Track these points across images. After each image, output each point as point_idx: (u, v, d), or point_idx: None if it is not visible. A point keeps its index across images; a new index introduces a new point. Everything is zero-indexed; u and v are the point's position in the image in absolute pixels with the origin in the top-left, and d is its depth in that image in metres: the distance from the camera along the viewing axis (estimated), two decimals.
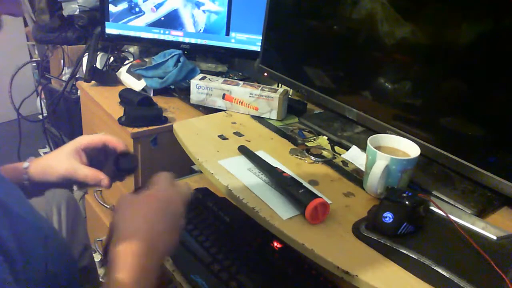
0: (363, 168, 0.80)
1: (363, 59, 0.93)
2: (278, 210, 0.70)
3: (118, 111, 1.23)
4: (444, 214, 0.68)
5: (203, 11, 1.40)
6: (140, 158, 1.21)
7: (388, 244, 0.63)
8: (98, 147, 0.73)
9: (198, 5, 1.40)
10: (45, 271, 0.54)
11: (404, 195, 0.65)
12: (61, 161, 0.70)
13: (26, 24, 2.52)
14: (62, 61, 1.69)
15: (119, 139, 0.73)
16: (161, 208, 0.56)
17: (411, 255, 0.61)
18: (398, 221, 0.63)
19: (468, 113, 0.76)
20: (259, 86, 1.07)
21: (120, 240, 0.52)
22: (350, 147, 0.91)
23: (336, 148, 0.94)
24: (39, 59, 2.00)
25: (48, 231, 0.58)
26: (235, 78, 1.38)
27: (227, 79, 1.14)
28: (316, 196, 0.68)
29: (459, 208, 0.73)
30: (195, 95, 1.10)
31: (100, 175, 0.69)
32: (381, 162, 0.71)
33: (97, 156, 0.74)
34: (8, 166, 0.70)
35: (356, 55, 0.94)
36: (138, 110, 1.20)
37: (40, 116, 1.87)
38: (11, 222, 0.48)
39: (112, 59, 1.53)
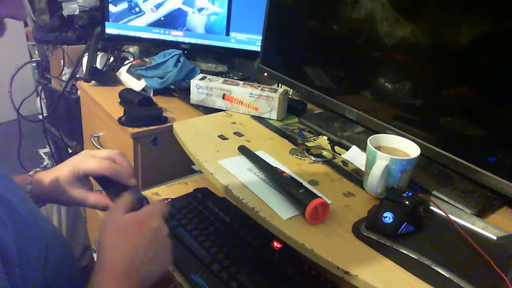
0: (363, 168, 0.80)
1: (363, 59, 0.93)
2: (278, 210, 0.70)
3: (118, 111, 1.23)
4: (444, 214, 0.68)
5: (203, 11, 1.40)
6: (140, 158, 1.21)
7: (388, 244, 0.63)
8: (97, 176, 0.70)
9: (198, 5, 1.40)
10: (45, 271, 0.54)
11: (404, 195, 0.65)
12: (64, 190, 0.69)
13: (26, 24, 2.53)
14: (62, 61, 1.69)
15: (120, 168, 0.69)
16: (149, 238, 0.57)
17: (411, 255, 0.61)
18: (398, 221, 0.63)
19: (468, 113, 0.76)
20: (259, 86, 1.07)
21: (104, 264, 0.54)
22: (350, 147, 0.91)
23: (336, 148, 0.94)
24: (39, 59, 2.00)
25: (48, 231, 0.58)
26: (235, 78, 1.38)
27: (227, 79, 1.14)
28: (316, 196, 0.68)
29: (459, 208, 0.73)
30: (195, 95, 1.11)
31: (109, 204, 0.69)
32: (381, 162, 0.71)
33: (100, 178, 0.71)
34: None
35: (356, 55, 0.94)
36: (138, 110, 1.20)
37: (40, 116, 1.87)
38: (12, 219, 0.47)
39: (112, 59, 1.53)
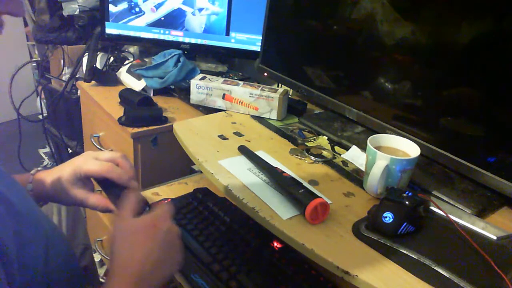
0: (363, 168, 0.80)
1: (363, 59, 0.93)
2: (278, 210, 0.70)
3: (118, 111, 1.23)
4: (444, 214, 0.68)
5: (203, 11, 1.40)
6: (140, 158, 1.21)
7: (388, 244, 0.63)
8: (98, 178, 0.71)
9: (198, 5, 1.40)
10: (46, 269, 0.54)
11: (404, 195, 0.65)
12: (66, 189, 0.69)
13: (26, 24, 2.53)
14: (62, 61, 1.69)
15: (122, 171, 0.70)
16: (161, 241, 0.57)
17: (411, 255, 0.61)
18: (398, 221, 0.63)
19: (468, 113, 0.76)
20: (259, 86, 1.07)
21: (117, 269, 0.54)
22: (350, 147, 0.91)
23: (336, 148, 0.94)
24: (39, 59, 2.00)
25: (49, 229, 0.58)
26: (235, 78, 1.38)
27: (227, 79, 1.14)
28: (316, 196, 0.68)
29: (459, 208, 0.73)
30: (195, 95, 1.11)
31: (109, 206, 0.70)
32: (381, 162, 0.71)
33: (101, 179, 0.71)
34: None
35: (356, 55, 0.94)
36: (138, 110, 1.20)
37: (40, 116, 1.87)
38: (13, 217, 0.47)
39: (112, 59, 1.53)
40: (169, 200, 0.93)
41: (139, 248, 0.55)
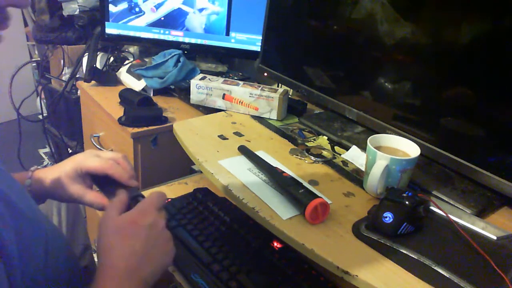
0: (363, 168, 0.80)
1: (363, 59, 0.93)
2: (278, 210, 0.70)
3: (118, 111, 1.23)
4: (444, 214, 0.68)
5: (204, 11, 1.40)
6: (140, 158, 1.21)
7: (388, 244, 0.63)
8: (99, 175, 0.71)
9: (198, 5, 1.40)
10: (45, 271, 0.53)
11: (404, 195, 0.65)
12: (64, 185, 0.69)
13: (26, 24, 2.53)
14: (62, 61, 1.69)
15: (123, 170, 0.70)
16: (145, 236, 0.57)
17: (411, 255, 0.61)
18: (398, 221, 0.63)
19: (468, 113, 0.76)
20: (259, 86, 1.07)
21: (103, 268, 0.54)
22: (350, 147, 0.91)
23: (336, 148, 0.94)
24: (39, 59, 2.00)
25: (49, 228, 0.58)
26: (235, 78, 1.38)
27: (227, 79, 1.14)
28: (316, 196, 0.68)
29: (459, 208, 0.73)
30: (195, 95, 1.11)
31: (105, 204, 0.70)
32: (381, 162, 0.71)
33: (99, 178, 0.72)
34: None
35: (356, 55, 0.94)
36: (138, 110, 1.20)
37: (40, 116, 1.87)
38: (13, 216, 0.47)
39: (112, 59, 1.53)
40: (169, 200, 0.93)
41: (121, 246, 0.55)
